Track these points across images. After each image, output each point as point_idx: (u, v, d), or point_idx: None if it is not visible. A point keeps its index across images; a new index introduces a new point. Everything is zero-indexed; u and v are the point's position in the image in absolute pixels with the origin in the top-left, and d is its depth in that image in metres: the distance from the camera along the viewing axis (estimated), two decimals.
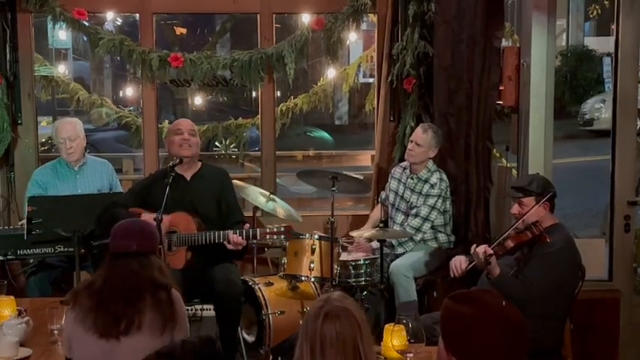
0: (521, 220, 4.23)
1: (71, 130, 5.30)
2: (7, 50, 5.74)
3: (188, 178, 4.91)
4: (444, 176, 5.32)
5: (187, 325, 3.29)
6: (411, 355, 3.08)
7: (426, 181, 5.29)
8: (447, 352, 2.23)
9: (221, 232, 4.62)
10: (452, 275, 4.45)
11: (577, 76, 19.09)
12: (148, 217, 4.54)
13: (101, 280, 3.13)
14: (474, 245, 4.30)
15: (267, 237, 4.68)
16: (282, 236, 4.69)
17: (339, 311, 2.38)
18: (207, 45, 14.10)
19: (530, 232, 4.18)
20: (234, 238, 4.58)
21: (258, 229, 4.69)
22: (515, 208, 4.29)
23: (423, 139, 5.26)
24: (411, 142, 5.32)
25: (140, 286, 3.10)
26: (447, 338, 2.25)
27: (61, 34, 6.74)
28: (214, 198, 4.91)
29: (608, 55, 5.50)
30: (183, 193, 4.80)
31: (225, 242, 4.62)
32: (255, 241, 4.90)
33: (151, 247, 3.26)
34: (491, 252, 4.13)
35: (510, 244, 4.21)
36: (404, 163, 5.48)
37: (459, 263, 4.42)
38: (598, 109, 15.97)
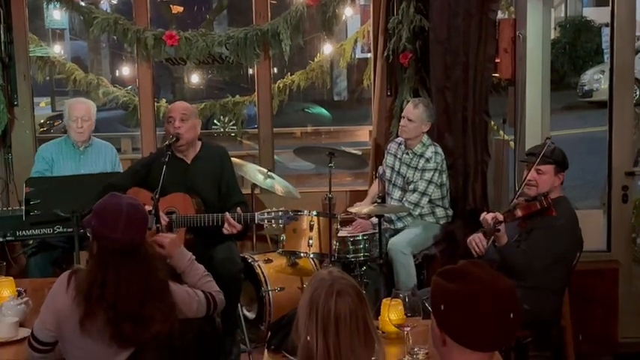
0: (534, 188, 4.23)
1: (84, 110, 5.33)
2: (2, 31, 5.69)
3: (189, 161, 4.85)
4: (439, 149, 5.32)
5: (189, 303, 3.27)
6: (408, 328, 3.09)
7: (421, 155, 5.29)
8: (440, 330, 2.22)
9: (219, 214, 4.60)
10: (475, 255, 4.27)
11: (576, 47, 19.02)
12: (145, 196, 4.54)
13: (108, 287, 2.97)
14: (484, 212, 4.30)
15: (266, 222, 4.61)
16: (281, 221, 4.62)
17: (349, 288, 2.38)
18: (204, 22, 14.06)
19: (540, 203, 4.18)
20: (230, 221, 4.53)
21: (256, 214, 4.61)
22: (532, 175, 4.26)
23: (414, 114, 5.25)
24: (404, 117, 5.31)
25: (148, 300, 3.00)
26: (439, 316, 2.22)
27: (56, 14, 6.70)
28: (214, 180, 4.86)
29: (607, 25, 5.46)
30: (183, 178, 4.76)
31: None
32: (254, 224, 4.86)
33: (144, 234, 3.13)
34: (502, 219, 4.13)
35: (519, 213, 4.22)
36: (399, 139, 5.47)
37: (479, 241, 4.30)
38: (597, 80, 15.91)
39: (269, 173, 5.53)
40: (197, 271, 3.48)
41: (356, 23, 9.37)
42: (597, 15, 19.24)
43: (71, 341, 3.05)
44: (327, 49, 7.02)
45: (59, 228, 4.74)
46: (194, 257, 3.53)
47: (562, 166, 4.29)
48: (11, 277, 3.90)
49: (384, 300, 3.33)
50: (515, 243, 4.22)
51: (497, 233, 4.12)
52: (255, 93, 6.42)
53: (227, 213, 4.54)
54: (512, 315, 2.18)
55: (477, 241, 4.31)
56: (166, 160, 4.47)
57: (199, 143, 4.93)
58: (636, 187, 5.47)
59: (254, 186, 5.65)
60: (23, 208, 4.59)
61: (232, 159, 5.20)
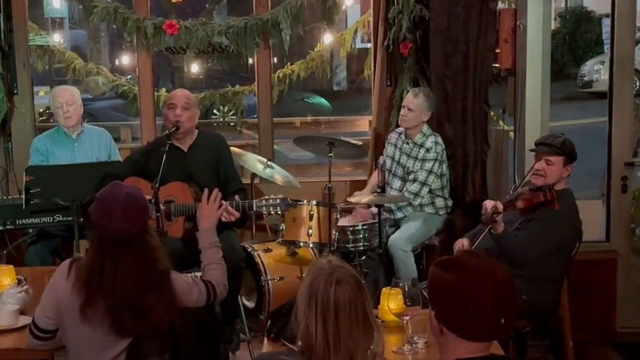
0: (542, 178, 4.23)
1: (68, 95, 5.32)
2: (1, 20, 5.67)
3: (185, 149, 4.81)
4: (439, 139, 5.32)
5: (189, 293, 3.27)
6: (408, 317, 3.11)
7: (421, 145, 5.28)
8: (437, 320, 2.22)
9: None
10: None
11: (576, 37, 19.00)
12: (144, 185, 4.53)
13: (106, 274, 2.97)
14: (487, 200, 4.29)
15: (264, 209, 4.58)
16: (279, 208, 4.58)
17: (348, 277, 2.38)
18: (204, 12, 14.01)
19: (543, 195, 4.18)
20: (228, 209, 4.49)
21: (254, 201, 4.58)
22: (541, 165, 4.26)
23: (414, 103, 5.25)
24: (404, 107, 5.31)
25: (148, 291, 3.00)
26: (436, 307, 2.23)
27: (55, 3, 6.70)
28: (212, 167, 4.83)
29: (607, 15, 5.48)
30: (180, 166, 4.71)
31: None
32: (252, 212, 4.85)
33: (144, 224, 3.10)
34: (501, 210, 4.12)
35: (521, 204, 4.22)
36: (399, 129, 5.47)
37: (461, 246, 4.40)
38: (597, 70, 15.89)
39: (269, 163, 5.52)
40: (211, 257, 3.56)
41: (356, 13, 9.37)
42: (597, 5, 19.18)
43: (72, 329, 3.05)
44: (327, 38, 7.01)
45: (59, 217, 4.74)
46: (218, 244, 3.63)
47: (571, 157, 4.28)
48: (11, 265, 3.91)
49: (383, 289, 3.34)
50: (514, 232, 4.22)
51: (494, 223, 4.13)
52: (255, 83, 6.41)
53: (223, 201, 4.49)
54: (509, 306, 2.18)
55: (459, 246, 4.40)
56: (166, 149, 4.45)
57: (196, 131, 4.88)
58: (635, 178, 5.48)
59: (254, 176, 5.65)
60: (23, 196, 4.59)
61: (232, 149, 5.18)
